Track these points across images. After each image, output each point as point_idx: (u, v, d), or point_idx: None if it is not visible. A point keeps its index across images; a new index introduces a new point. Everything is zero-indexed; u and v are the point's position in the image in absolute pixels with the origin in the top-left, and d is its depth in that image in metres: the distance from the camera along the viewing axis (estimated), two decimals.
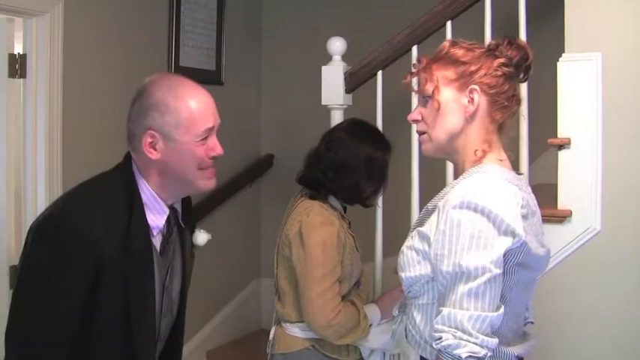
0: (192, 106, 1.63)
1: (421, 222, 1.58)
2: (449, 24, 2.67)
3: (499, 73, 1.56)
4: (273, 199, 4.23)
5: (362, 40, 3.35)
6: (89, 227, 1.56)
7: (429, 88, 1.58)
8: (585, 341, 2.45)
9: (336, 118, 2.82)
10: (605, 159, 2.41)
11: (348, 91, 2.84)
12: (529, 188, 1.64)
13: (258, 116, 4.50)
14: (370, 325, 2.26)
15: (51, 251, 1.56)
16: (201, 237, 1.88)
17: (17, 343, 1.58)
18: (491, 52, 1.58)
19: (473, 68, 1.55)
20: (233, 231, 4.11)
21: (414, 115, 1.64)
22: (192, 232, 1.88)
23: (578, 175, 2.44)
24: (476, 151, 1.57)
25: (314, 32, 3.89)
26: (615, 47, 2.41)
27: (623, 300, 2.41)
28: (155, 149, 1.63)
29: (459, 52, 1.58)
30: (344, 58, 2.86)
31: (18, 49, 2.83)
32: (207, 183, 1.70)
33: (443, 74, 1.58)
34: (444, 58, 1.59)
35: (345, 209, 2.35)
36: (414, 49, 2.73)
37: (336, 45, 2.83)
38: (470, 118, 1.56)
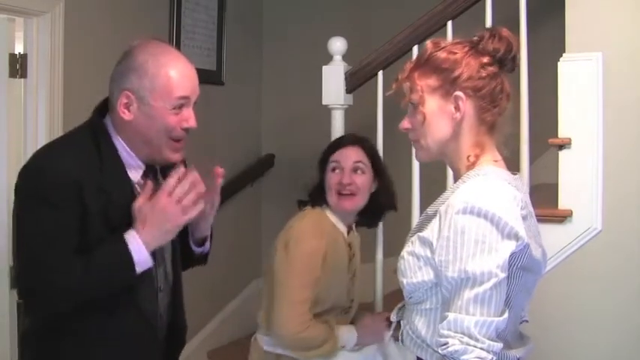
0: (170, 74, 1.67)
1: (421, 227, 1.57)
2: (449, 24, 2.67)
3: (483, 74, 1.53)
4: (274, 199, 4.23)
5: (362, 40, 3.35)
6: (60, 163, 1.61)
7: (415, 97, 1.57)
8: (585, 342, 2.45)
9: (337, 117, 2.82)
10: (606, 158, 2.41)
11: (348, 90, 2.84)
12: (525, 187, 1.63)
13: (258, 116, 4.50)
14: (343, 347, 2.22)
15: (33, 195, 1.60)
16: None
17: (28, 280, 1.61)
18: (475, 48, 1.55)
19: (456, 74, 1.53)
20: (233, 231, 4.10)
21: (405, 124, 1.62)
22: None
23: (579, 175, 2.44)
24: (468, 156, 1.55)
25: (314, 32, 3.89)
26: (615, 47, 2.41)
27: (625, 300, 2.41)
28: (129, 110, 1.67)
29: (440, 57, 1.55)
30: (344, 58, 2.86)
31: (19, 49, 2.82)
32: (172, 155, 1.71)
33: (426, 83, 1.56)
34: (425, 65, 1.57)
35: (356, 224, 2.36)
36: (415, 48, 2.73)
37: (337, 45, 2.83)
38: (458, 124, 1.55)
